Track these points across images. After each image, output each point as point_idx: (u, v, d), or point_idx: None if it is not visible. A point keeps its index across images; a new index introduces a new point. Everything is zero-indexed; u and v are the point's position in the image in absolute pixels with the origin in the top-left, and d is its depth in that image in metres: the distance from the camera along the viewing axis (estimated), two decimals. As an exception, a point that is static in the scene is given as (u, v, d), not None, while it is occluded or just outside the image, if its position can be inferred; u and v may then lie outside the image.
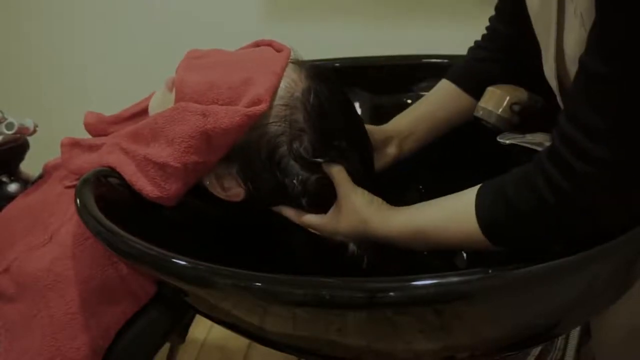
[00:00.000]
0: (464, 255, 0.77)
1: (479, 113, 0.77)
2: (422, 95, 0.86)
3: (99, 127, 0.79)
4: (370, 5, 1.27)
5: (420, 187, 0.92)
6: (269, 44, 0.77)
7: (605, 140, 0.48)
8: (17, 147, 0.91)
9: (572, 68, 0.59)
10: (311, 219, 0.71)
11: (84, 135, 0.76)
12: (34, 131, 0.91)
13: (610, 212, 0.52)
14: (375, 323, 0.53)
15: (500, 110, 0.75)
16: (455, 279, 0.50)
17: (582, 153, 0.49)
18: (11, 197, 0.83)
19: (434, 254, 0.72)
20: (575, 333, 0.89)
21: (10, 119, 0.87)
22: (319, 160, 0.68)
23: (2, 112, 0.87)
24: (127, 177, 0.66)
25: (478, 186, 0.58)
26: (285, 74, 0.69)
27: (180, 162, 0.65)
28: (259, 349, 1.33)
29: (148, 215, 0.67)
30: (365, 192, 0.68)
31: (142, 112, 0.79)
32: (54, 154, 0.78)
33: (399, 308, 0.50)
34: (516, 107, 0.75)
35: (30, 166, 0.94)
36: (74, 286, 0.65)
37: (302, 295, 0.50)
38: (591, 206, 0.51)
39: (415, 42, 1.07)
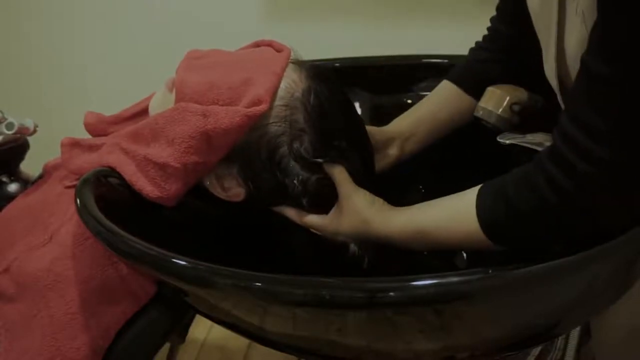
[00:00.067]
0: (464, 255, 0.77)
1: (479, 113, 0.77)
2: (422, 96, 0.86)
3: (99, 127, 0.79)
4: (370, 5, 1.27)
5: (421, 187, 0.92)
6: (269, 44, 0.76)
7: (607, 141, 0.48)
8: (17, 147, 0.91)
9: (573, 67, 0.59)
10: (312, 219, 0.71)
11: (84, 135, 0.76)
12: (34, 131, 0.90)
13: (611, 212, 0.52)
14: (375, 323, 0.53)
15: (500, 110, 0.75)
16: (455, 279, 0.50)
17: (584, 153, 0.49)
18: (11, 197, 0.83)
19: (434, 254, 0.72)
20: (575, 333, 0.89)
21: (10, 119, 0.87)
22: (319, 160, 0.68)
23: (2, 112, 0.87)
24: (127, 177, 0.66)
25: (479, 186, 0.59)
26: (285, 74, 0.69)
27: (181, 162, 0.65)
28: (259, 349, 1.33)
29: (148, 215, 0.67)
30: (367, 192, 0.68)
31: (142, 112, 0.79)
32: (54, 154, 0.78)
33: (399, 308, 0.50)
34: (516, 107, 0.75)
35: (30, 166, 0.94)
36: (74, 286, 0.65)
37: (302, 295, 0.50)
38: (592, 206, 0.51)
39: (415, 42, 1.07)
